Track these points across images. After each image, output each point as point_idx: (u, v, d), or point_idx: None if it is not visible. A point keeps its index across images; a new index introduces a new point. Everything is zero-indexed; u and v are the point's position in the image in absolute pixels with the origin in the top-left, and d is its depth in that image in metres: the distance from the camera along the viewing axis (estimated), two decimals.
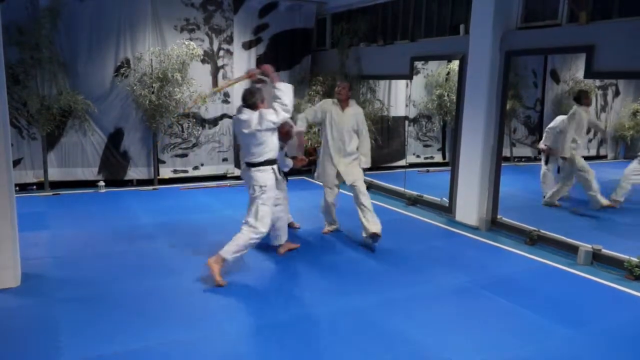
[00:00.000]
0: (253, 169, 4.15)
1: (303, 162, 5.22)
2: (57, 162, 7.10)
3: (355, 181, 5.06)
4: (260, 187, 4.13)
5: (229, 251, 4.05)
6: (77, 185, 7.21)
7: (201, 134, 7.88)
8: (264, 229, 4.12)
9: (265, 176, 4.14)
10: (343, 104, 5.16)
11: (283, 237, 4.76)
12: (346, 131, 5.09)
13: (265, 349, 3.10)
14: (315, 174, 5.45)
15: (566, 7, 4.84)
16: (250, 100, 4.19)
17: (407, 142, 8.36)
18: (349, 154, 5.13)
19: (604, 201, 6.07)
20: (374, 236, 4.77)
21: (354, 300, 3.77)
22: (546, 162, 6.85)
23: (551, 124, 6.87)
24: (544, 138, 6.92)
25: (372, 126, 7.74)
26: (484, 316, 3.58)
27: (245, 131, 4.10)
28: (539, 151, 7.00)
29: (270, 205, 4.20)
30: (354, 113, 5.17)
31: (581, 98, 6.34)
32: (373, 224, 4.84)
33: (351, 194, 5.14)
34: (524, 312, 3.63)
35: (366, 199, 5.01)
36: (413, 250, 4.95)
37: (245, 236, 4.09)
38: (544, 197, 6.63)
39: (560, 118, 6.81)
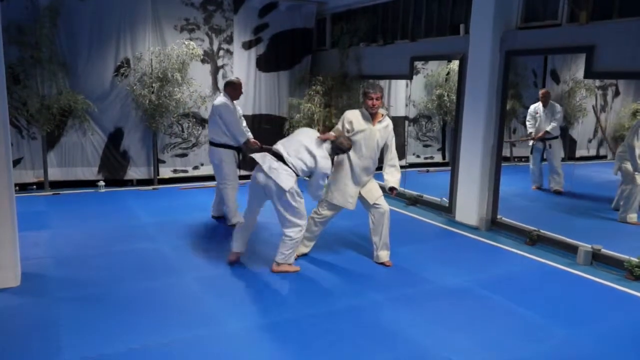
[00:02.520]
0: (283, 165, 4.06)
1: (254, 145, 5.40)
2: (57, 161, 7.10)
3: (378, 199, 4.45)
4: (288, 192, 4.02)
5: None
6: (77, 184, 7.21)
7: (201, 133, 7.88)
8: (303, 221, 4.20)
9: (291, 180, 4.04)
10: (375, 117, 4.35)
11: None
12: (377, 148, 4.38)
13: (265, 349, 3.10)
14: (328, 194, 4.51)
15: (566, 7, 4.85)
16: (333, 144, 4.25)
17: (406, 142, 8.36)
18: (372, 173, 4.50)
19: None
20: (382, 264, 4.58)
21: (354, 300, 3.77)
22: (532, 151, 7.08)
23: (529, 116, 7.13)
24: (528, 127, 7.12)
25: None
26: (483, 316, 3.58)
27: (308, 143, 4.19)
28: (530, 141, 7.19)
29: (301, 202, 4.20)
30: (386, 126, 4.41)
31: None
32: (384, 256, 4.57)
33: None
34: (524, 312, 3.64)
35: (387, 225, 4.46)
36: (413, 250, 4.95)
37: (289, 242, 4.20)
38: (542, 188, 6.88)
39: (533, 106, 7.06)
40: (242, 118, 5.78)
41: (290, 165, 4.06)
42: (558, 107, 7.00)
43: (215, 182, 5.97)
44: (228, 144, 5.46)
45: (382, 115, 4.41)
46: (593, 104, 7.51)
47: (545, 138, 6.97)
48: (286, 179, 3.99)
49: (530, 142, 7.13)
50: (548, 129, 6.92)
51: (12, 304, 3.60)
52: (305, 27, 8.47)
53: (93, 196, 6.89)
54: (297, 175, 4.10)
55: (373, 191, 4.49)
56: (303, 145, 4.14)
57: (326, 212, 4.53)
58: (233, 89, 5.49)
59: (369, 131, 4.33)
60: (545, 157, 7.03)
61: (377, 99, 4.25)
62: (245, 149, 5.52)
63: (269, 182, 4.01)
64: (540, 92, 7.13)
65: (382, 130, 4.39)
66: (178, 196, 7.01)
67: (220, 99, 5.47)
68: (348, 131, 4.36)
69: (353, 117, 4.37)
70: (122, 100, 7.24)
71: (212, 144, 5.53)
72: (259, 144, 5.70)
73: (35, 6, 6.48)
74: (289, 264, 4.29)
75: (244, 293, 3.89)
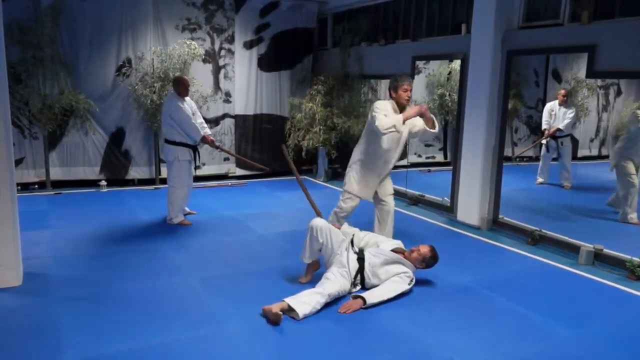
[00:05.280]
0: None
1: (211, 142, 5.63)
2: (58, 161, 7.11)
3: (387, 196, 4.59)
4: None
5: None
6: (79, 184, 7.22)
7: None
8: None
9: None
10: (403, 110, 4.31)
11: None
12: (402, 141, 4.39)
13: (267, 349, 3.09)
14: (350, 185, 4.56)
15: (568, 6, 4.84)
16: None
17: (408, 141, 8.36)
18: (392, 166, 4.54)
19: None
20: None
21: None
22: (548, 149, 7.22)
23: (545, 113, 7.27)
24: (543, 124, 7.27)
25: None
26: (485, 316, 3.58)
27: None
28: (544, 137, 7.34)
29: None
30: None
31: None
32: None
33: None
34: (526, 312, 3.63)
35: (391, 224, 4.55)
36: None
37: None
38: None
39: (549, 104, 7.24)
40: (198, 114, 5.72)
41: None
42: (572, 107, 7.17)
43: (217, 182, 5.97)
44: (184, 142, 5.46)
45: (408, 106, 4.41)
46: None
47: (557, 136, 7.12)
48: None
49: (544, 140, 7.28)
50: (561, 126, 7.09)
51: (13, 303, 3.60)
52: (306, 27, 8.47)
53: (95, 196, 6.90)
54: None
55: (386, 187, 4.59)
56: None
57: (350, 204, 4.56)
58: (180, 86, 5.46)
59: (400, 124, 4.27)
60: (559, 154, 7.19)
61: (410, 90, 4.29)
62: (203, 141, 5.61)
63: None
64: (560, 91, 7.31)
65: (408, 123, 4.39)
66: None
67: (170, 98, 5.46)
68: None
69: (387, 107, 4.25)
70: (124, 100, 7.25)
71: (167, 142, 5.51)
72: (215, 141, 5.75)
73: (37, 6, 6.49)
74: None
75: (246, 293, 3.88)
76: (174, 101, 5.38)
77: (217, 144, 5.90)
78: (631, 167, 5.74)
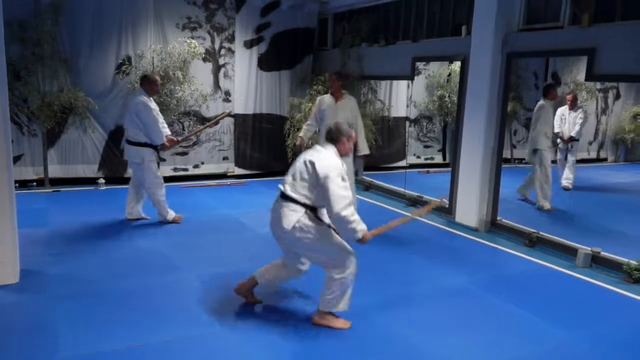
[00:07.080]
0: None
1: (173, 143, 5.49)
2: (57, 158, 7.10)
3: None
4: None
5: None
6: (77, 182, 7.21)
7: (202, 132, 7.88)
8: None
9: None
10: (336, 96, 5.51)
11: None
12: (344, 121, 5.04)
13: (266, 348, 3.10)
14: None
15: (568, 9, 4.84)
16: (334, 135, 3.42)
17: (407, 142, 8.36)
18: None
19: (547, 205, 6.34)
20: None
21: (352, 300, 3.76)
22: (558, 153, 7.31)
23: (557, 117, 7.27)
24: (555, 127, 7.27)
25: (373, 126, 7.75)
26: (482, 317, 3.58)
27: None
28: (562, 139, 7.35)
29: None
30: (347, 103, 5.50)
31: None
32: None
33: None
34: (523, 314, 3.64)
35: None
36: (412, 251, 4.95)
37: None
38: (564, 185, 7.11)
39: (560, 109, 7.29)
40: (159, 114, 5.44)
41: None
42: (581, 112, 7.22)
43: (216, 182, 5.92)
44: (149, 143, 5.28)
45: (343, 94, 5.54)
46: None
47: (570, 140, 7.20)
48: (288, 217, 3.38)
49: (559, 144, 7.35)
50: (573, 133, 7.13)
51: (10, 300, 3.60)
52: (307, 27, 8.46)
53: (93, 194, 6.89)
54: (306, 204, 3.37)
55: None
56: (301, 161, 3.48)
57: None
58: (150, 84, 5.26)
59: (333, 107, 5.48)
60: (567, 157, 7.27)
61: (329, 81, 5.56)
62: (162, 148, 5.43)
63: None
64: (568, 95, 7.32)
65: (345, 105, 5.48)
66: (178, 194, 6.98)
67: (139, 96, 5.23)
68: (320, 111, 5.51)
69: (322, 98, 5.64)
70: (123, 97, 7.23)
71: (131, 143, 5.29)
72: (175, 139, 5.58)
73: (37, 3, 6.48)
74: (334, 316, 3.34)
75: None
76: (143, 100, 5.17)
77: (177, 138, 5.68)
78: (548, 157, 6.25)
